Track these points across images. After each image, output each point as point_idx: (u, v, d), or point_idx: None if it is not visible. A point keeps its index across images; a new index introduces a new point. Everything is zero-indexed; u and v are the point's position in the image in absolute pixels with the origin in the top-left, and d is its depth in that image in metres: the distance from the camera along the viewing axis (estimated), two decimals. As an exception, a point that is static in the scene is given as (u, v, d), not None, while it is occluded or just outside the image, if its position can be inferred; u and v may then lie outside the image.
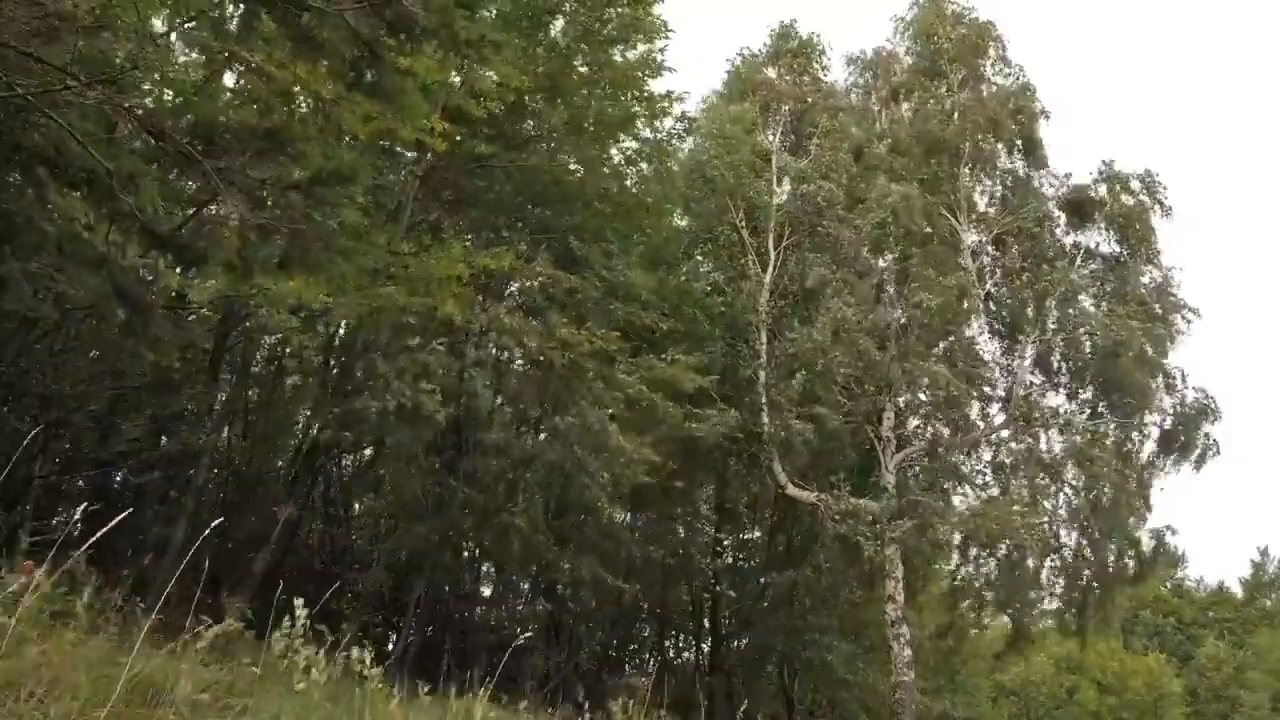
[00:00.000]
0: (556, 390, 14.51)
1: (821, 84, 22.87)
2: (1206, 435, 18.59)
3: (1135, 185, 19.84)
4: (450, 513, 14.71)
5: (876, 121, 21.81)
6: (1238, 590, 51.07)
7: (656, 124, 17.51)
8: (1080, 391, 19.57)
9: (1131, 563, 18.80)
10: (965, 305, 17.88)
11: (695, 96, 20.61)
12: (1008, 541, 15.77)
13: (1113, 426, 18.96)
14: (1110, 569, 18.48)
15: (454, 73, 11.68)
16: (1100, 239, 20.09)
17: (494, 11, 14.23)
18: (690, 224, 20.32)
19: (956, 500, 18.75)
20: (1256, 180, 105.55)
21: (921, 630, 19.78)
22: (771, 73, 22.90)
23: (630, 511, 22.42)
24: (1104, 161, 20.19)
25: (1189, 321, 19.04)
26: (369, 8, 6.67)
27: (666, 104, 16.63)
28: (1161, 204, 19.67)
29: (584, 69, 15.90)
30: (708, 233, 20.21)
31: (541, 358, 14.02)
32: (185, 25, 8.61)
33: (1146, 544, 18.74)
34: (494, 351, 16.06)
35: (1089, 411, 19.26)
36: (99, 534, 3.65)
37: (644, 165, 18.14)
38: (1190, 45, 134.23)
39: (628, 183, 17.96)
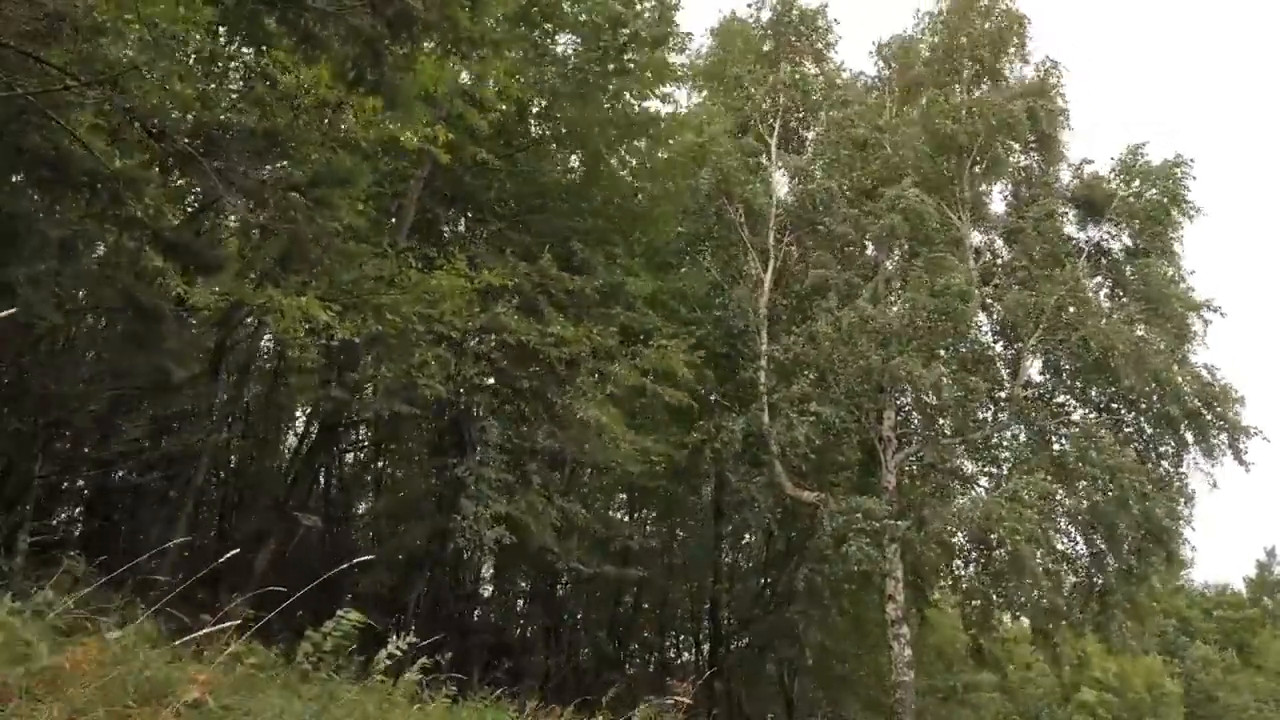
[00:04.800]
0: (547, 386, 14.43)
1: (825, 68, 21.90)
2: (1233, 422, 17.66)
3: (1156, 176, 18.77)
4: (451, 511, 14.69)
5: (886, 114, 20.83)
6: (1242, 590, 51.11)
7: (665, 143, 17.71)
8: (1088, 391, 18.96)
9: (1155, 562, 17.80)
10: (968, 306, 17.61)
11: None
12: (1017, 538, 15.40)
13: (1126, 424, 18.50)
14: (1130, 569, 17.62)
15: (455, 80, 11.61)
16: (1114, 233, 19.37)
17: (499, 18, 14.19)
18: (688, 224, 19.94)
19: (961, 500, 18.44)
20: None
21: (923, 644, 19.49)
22: (769, 46, 21.75)
23: (630, 512, 22.46)
24: (1129, 146, 19.13)
25: (1208, 322, 18.32)
26: (370, 6, 6.65)
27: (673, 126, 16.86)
28: (1182, 202, 18.64)
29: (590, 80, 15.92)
30: (706, 232, 19.99)
31: (540, 355, 13.96)
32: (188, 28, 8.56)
33: (1169, 534, 17.25)
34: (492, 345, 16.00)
35: (1099, 410, 18.75)
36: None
37: (648, 184, 18.23)
38: (1209, 31, 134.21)
39: (631, 188, 18.02)
